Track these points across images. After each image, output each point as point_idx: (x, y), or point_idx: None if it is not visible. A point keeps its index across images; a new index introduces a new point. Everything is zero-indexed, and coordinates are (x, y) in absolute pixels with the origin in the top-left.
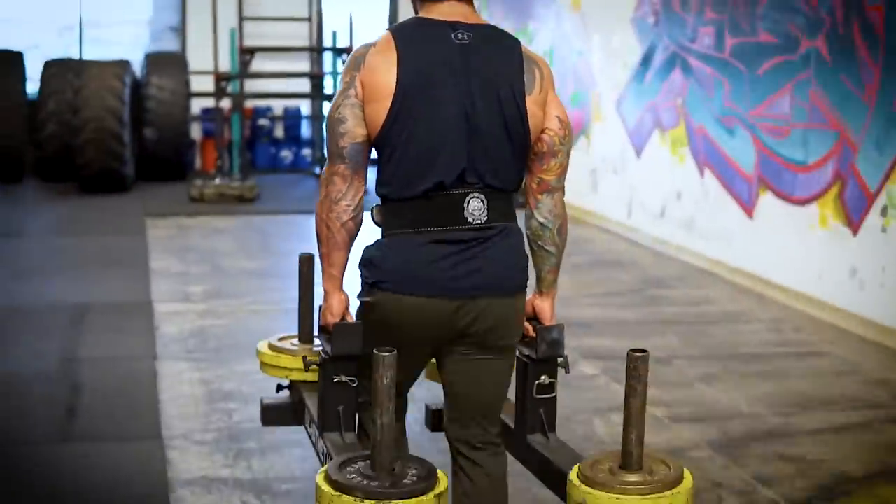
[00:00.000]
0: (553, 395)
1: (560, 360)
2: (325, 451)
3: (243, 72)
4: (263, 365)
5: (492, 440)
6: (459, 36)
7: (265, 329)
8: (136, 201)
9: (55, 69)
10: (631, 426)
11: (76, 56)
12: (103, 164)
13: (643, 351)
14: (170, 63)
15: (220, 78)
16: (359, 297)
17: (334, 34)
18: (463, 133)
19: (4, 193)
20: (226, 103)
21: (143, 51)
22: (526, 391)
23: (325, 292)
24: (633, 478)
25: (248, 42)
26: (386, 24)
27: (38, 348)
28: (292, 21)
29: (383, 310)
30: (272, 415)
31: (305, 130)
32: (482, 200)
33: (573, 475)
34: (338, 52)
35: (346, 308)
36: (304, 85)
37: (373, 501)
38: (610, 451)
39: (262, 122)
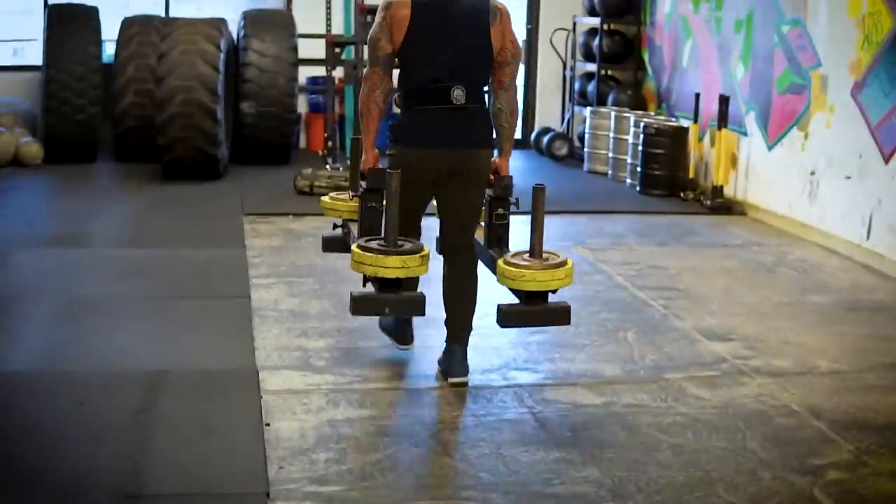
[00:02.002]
0: (506, 222)
1: (512, 199)
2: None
3: (362, 35)
4: (325, 209)
5: (467, 245)
6: None
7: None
8: (232, 193)
9: (136, 28)
10: (536, 233)
11: (161, 13)
12: (192, 146)
13: (541, 185)
14: (273, 24)
15: (334, 43)
16: (387, 151)
17: None
18: (448, 49)
19: (72, 178)
20: (339, 73)
21: (241, 8)
22: (490, 219)
23: (364, 150)
24: (535, 261)
25: None
26: None
27: (84, 466)
28: None
29: (403, 156)
30: (330, 244)
31: None
32: (462, 90)
33: (500, 261)
34: None
35: (377, 159)
36: None
37: (381, 256)
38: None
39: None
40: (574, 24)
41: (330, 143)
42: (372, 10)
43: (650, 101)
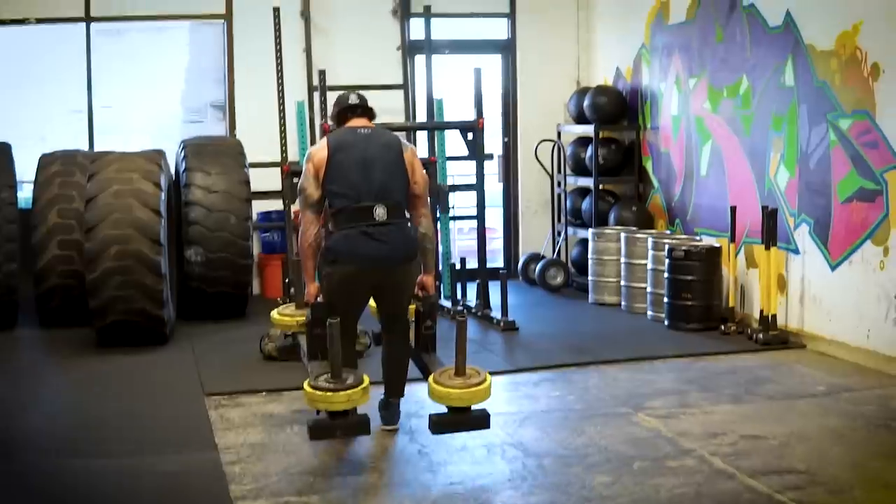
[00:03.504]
0: (433, 332)
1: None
2: (310, 370)
3: None
4: (275, 324)
5: (400, 327)
6: (362, 131)
7: None
8: (185, 364)
9: (57, 167)
10: (459, 356)
11: (84, 146)
12: (132, 307)
13: (463, 317)
14: (219, 153)
15: (292, 172)
16: (321, 269)
17: (439, 104)
18: (367, 175)
19: None
20: (297, 206)
21: (175, 138)
22: (419, 329)
23: (306, 284)
24: (458, 380)
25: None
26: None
27: None
28: (383, 90)
29: (340, 272)
30: (283, 353)
31: None
32: (384, 208)
33: (430, 378)
34: (457, 128)
35: (318, 290)
36: None
37: (330, 392)
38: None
39: None
40: (559, 133)
41: (293, 290)
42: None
43: (659, 217)
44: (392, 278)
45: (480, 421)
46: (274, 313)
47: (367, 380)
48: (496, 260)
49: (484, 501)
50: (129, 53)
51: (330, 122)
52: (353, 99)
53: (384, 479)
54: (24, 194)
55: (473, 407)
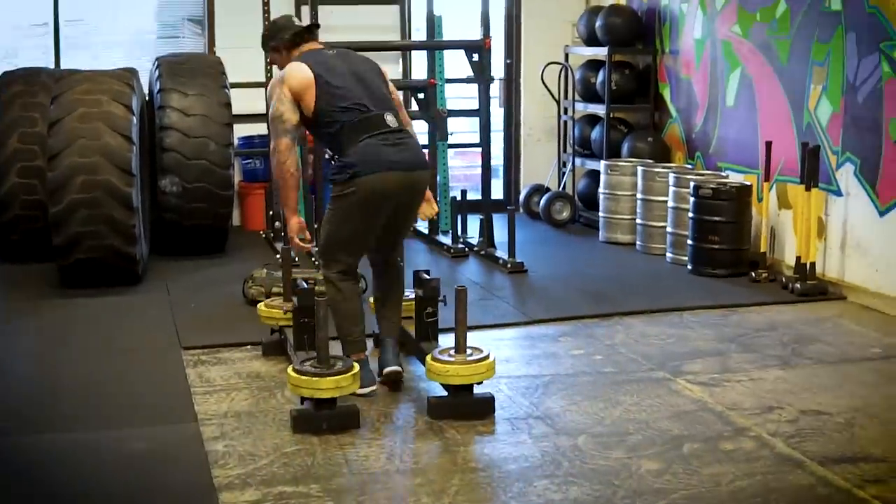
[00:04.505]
0: (435, 319)
1: (440, 298)
2: (297, 358)
3: None
4: (261, 318)
5: (400, 255)
6: (329, 51)
7: None
8: (159, 309)
9: (18, 86)
10: (459, 329)
11: (50, 64)
12: (99, 244)
13: (463, 286)
14: (197, 72)
15: None
16: (334, 193)
17: (438, 21)
18: (365, 86)
19: None
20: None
21: (149, 55)
22: (420, 316)
23: (287, 217)
24: (459, 356)
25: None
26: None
27: None
28: (376, 5)
29: (363, 187)
30: (269, 349)
31: None
32: (392, 115)
33: (429, 357)
34: (461, 47)
35: (303, 226)
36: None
37: (316, 378)
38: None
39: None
40: (566, 56)
41: (277, 223)
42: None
43: (676, 150)
44: (415, 189)
45: (486, 405)
46: (261, 307)
47: (356, 367)
48: (495, 191)
49: (517, 494)
50: None
51: (273, 53)
52: (297, 21)
53: (394, 463)
54: None
55: (477, 390)
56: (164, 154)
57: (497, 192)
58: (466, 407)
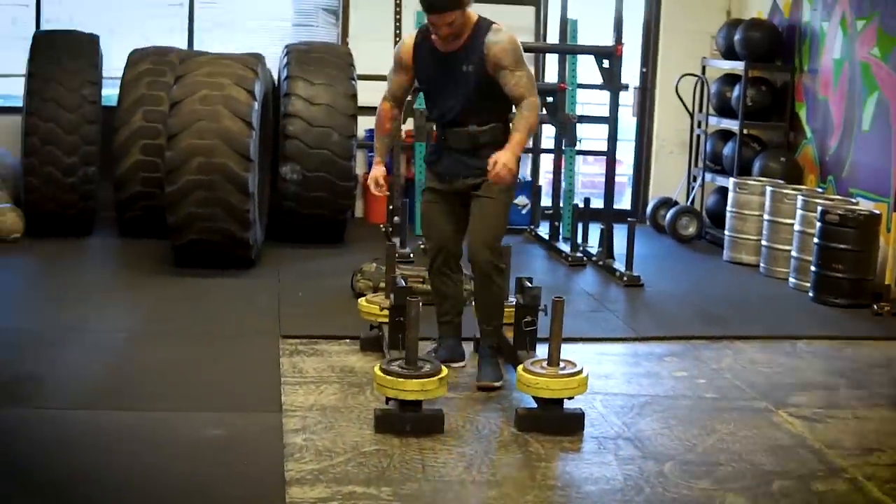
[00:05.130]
0: (533, 328)
1: (540, 307)
2: (388, 357)
3: None
4: (361, 313)
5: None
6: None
7: None
8: (266, 294)
9: (147, 64)
10: (553, 342)
11: (183, 45)
12: (213, 227)
13: (560, 297)
14: (325, 62)
15: None
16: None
17: (573, 25)
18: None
19: (49, 263)
20: (408, 125)
21: (287, 41)
22: (518, 325)
23: (374, 164)
24: (551, 369)
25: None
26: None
27: None
28: (512, 5)
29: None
30: (367, 344)
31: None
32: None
33: (520, 367)
34: (592, 53)
35: (385, 174)
36: None
37: (402, 379)
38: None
39: None
40: (703, 68)
41: (396, 218)
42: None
43: (809, 172)
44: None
45: (575, 421)
46: (361, 301)
47: (445, 371)
48: (622, 201)
49: None
50: None
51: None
52: None
53: (472, 472)
54: (113, 93)
55: (568, 405)
56: (286, 141)
57: (626, 202)
58: (554, 421)
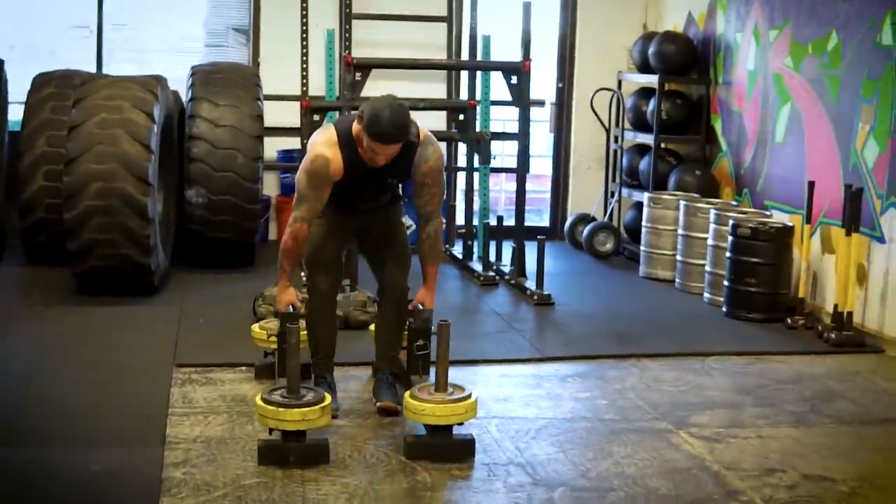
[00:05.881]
0: (426, 352)
1: (433, 331)
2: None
3: (349, 98)
4: (254, 340)
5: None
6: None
7: None
8: (166, 321)
9: (51, 88)
10: (440, 367)
11: (92, 68)
12: (113, 252)
13: (446, 321)
14: (230, 83)
15: (312, 108)
16: None
17: (486, 41)
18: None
19: None
20: None
21: (197, 63)
22: (409, 350)
23: (281, 287)
24: (438, 395)
25: (358, 52)
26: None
27: None
28: (423, 22)
29: None
30: (262, 372)
31: None
32: None
33: (407, 394)
34: (499, 69)
35: (296, 295)
36: (439, 120)
37: (282, 409)
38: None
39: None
40: (619, 83)
41: None
42: (361, 66)
43: (725, 185)
44: None
45: (464, 448)
46: (254, 327)
47: (328, 398)
48: (542, 218)
49: None
50: None
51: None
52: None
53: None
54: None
55: (457, 432)
56: (191, 164)
57: (545, 219)
58: (444, 449)
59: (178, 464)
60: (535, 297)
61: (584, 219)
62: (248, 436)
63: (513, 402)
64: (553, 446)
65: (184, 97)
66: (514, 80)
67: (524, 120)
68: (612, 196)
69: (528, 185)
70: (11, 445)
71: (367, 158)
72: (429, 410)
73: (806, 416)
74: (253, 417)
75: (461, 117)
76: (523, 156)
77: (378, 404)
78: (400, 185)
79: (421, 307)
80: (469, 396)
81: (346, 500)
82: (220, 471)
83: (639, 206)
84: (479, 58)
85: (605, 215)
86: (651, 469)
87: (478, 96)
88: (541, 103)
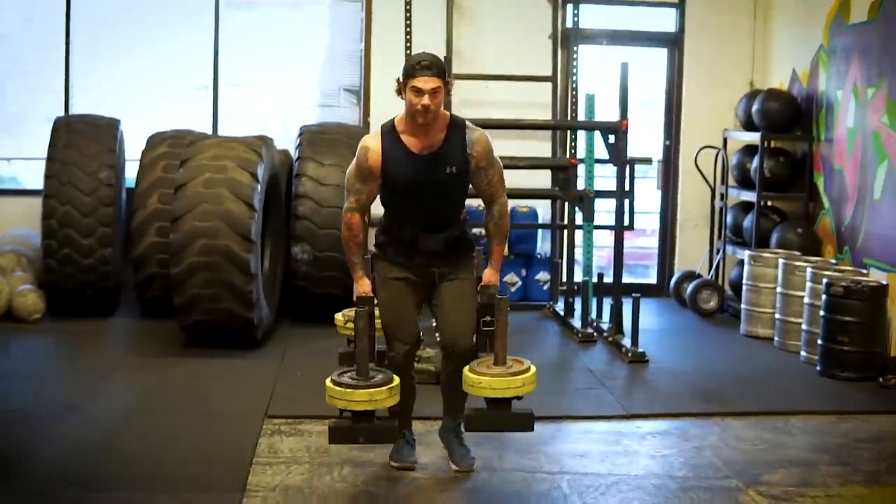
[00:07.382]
0: (492, 328)
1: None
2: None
3: None
4: (339, 328)
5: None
6: None
7: None
8: (265, 374)
9: (164, 148)
10: (499, 341)
11: (208, 126)
12: (217, 307)
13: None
14: (337, 142)
15: None
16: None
17: (590, 100)
18: None
19: (64, 343)
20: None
21: (309, 122)
22: (477, 326)
23: (356, 280)
24: (497, 369)
25: (461, 112)
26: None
27: None
28: (528, 81)
29: None
30: (344, 359)
31: (540, 244)
32: None
33: (466, 368)
34: (596, 129)
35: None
36: (544, 178)
37: (350, 389)
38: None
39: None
40: (725, 140)
41: None
42: None
43: (827, 243)
44: None
45: (523, 421)
46: (337, 315)
47: (396, 380)
48: (649, 275)
49: None
50: (261, 29)
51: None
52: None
53: None
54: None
55: (517, 407)
56: (297, 222)
57: (653, 276)
58: (502, 421)
59: None
60: (630, 355)
61: (689, 276)
62: (325, 485)
63: (589, 458)
64: (620, 503)
65: (293, 156)
66: (612, 138)
67: (622, 178)
68: (718, 253)
69: (638, 242)
70: (99, 490)
71: (412, 106)
72: (485, 383)
73: (880, 474)
74: (332, 467)
75: (560, 176)
76: (621, 213)
77: (457, 467)
78: (461, 195)
79: (488, 285)
80: (528, 370)
81: None
82: None
83: (743, 263)
84: (583, 116)
85: (709, 273)
86: None
87: (582, 154)
88: (648, 161)
